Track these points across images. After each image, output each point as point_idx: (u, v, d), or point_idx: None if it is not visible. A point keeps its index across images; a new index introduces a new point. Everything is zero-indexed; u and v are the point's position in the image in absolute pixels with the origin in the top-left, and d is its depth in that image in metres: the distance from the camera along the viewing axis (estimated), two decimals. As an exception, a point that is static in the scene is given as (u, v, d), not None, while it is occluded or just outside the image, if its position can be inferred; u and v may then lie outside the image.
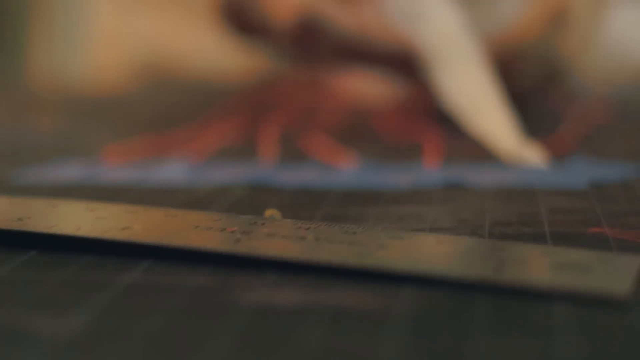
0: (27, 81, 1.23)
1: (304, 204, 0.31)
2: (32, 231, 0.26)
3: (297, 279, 0.23)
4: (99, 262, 0.24)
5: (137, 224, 0.27)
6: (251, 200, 0.32)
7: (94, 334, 0.19)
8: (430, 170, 0.36)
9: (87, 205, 0.29)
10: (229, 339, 0.19)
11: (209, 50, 0.68)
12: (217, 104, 0.64)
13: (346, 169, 0.36)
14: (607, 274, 0.22)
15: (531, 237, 0.26)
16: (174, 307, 0.21)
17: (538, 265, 0.23)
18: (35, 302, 0.21)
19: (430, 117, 0.41)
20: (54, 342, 0.19)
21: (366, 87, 0.47)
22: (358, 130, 0.50)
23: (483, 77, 0.41)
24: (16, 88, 0.92)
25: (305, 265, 0.23)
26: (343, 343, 0.19)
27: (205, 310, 0.21)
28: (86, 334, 0.19)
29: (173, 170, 0.37)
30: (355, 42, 0.43)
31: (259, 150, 0.42)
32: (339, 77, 0.46)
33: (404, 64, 0.46)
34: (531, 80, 0.48)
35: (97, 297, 0.21)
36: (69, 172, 0.37)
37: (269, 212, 0.29)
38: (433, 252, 0.25)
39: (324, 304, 0.21)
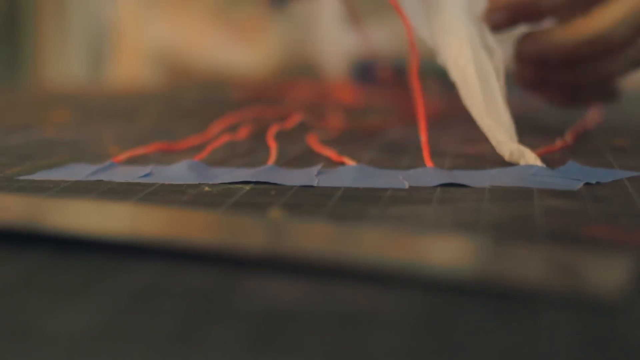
0: (39, 83, 1.24)
1: (307, 203, 0.32)
2: (44, 230, 0.26)
3: (300, 277, 0.23)
4: (107, 260, 0.25)
5: (145, 223, 0.28)
6: (255, 200, 0.32)
7: (103, 333, 0.20)
8: (429, 171, 0.37)
9: (97, 204, 0.30)
10: (233, 337, 0.20)
11: (224, 49, 0.69)
12: (228, 104, 0.65)
13: (348, 168, 0.37)
14: (599, 274, 0.23)
15: (526, 237, 0.27)
16: (181, 305, 0.22)
17: (532, 266, 0.24)
18: (45, 301, 0.22)
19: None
20: (63, 339, 0.19)
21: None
22: (361, 129, 0.51)
23: (491, 84, 0.42)
24: (28, 90, 0.93)
25: (308, 264, 0.24)
26: (343, 341, 0.19)
27: (210, 308, 0.21)
28: (95, 332, 0.20)
29: (180, 170, 0.37)
30: None
31: (264, 149, 0.43)
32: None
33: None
34: None
35: (105, 296, 0.22)
36: (80, 172, 0.38)
37: (273, 212, 0.30)
38: (430, 251, 0.25)
39: (326, 302, 0.22)
